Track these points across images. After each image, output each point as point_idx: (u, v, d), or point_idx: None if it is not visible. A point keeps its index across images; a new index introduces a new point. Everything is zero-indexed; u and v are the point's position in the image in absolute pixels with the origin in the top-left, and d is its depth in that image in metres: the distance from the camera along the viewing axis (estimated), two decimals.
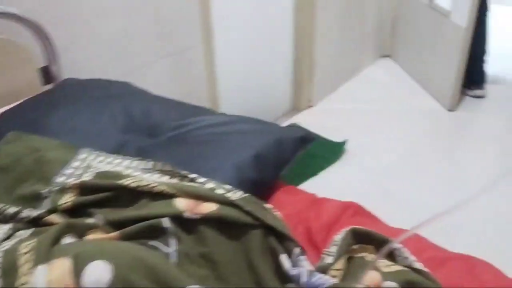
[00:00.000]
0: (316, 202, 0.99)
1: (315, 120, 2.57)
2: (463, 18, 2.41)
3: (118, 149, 0.97)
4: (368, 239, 0.83)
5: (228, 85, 2.16)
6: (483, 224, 1.84)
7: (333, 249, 0.81)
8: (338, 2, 2.58)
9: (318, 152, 2.30)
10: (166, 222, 0.74)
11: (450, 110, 2.65)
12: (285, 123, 2.53)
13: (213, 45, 1.94)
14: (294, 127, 2.48)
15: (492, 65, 2.85)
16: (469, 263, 0.82)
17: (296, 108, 2.67)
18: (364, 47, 3.02)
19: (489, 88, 2.81)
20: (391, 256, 0.81)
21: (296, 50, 2.51)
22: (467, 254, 0.86)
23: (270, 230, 0.78)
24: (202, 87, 1.97)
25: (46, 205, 0.82)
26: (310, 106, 2.69)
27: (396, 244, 0.80)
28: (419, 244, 0.87)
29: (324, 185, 2.09)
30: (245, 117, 1.14)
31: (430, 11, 2.73)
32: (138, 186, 0.79)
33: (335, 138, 2.36)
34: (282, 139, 1.02)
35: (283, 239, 0.79)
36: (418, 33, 2.88)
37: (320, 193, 2.02)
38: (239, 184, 0.88)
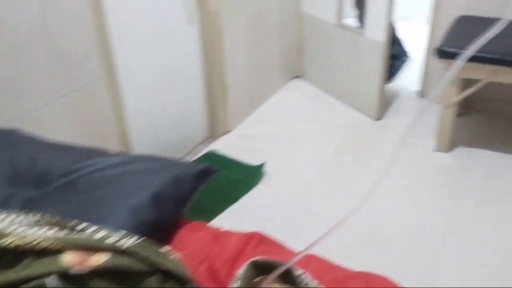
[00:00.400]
0: (219, 236, 0.98)
1: (233, 145, 2.58)
2: (379, 33, 2.57)
3: (3, 204, 0.91)
4: (270, 268, 0.83)
5: (138, 119, 2.11)
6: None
7: (236, 284, 0.80)
8: (244, 28, 2.63)
9: (238, 178, 2.31)
10: (51, 282, 0.69)
11: (376, 120, 2.80)
12: (203, 151, 2.52)
13: (117, 79, 1.89)
14: (206, 155, 2.48)
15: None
16: (367, 279, 0.85)
17: (213, 135, 2.67)
18: (275, 69, 3.09)
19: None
20: (294, 282, 0.82)
21: (207, 77, 2.52)
22: (365, 271, 0.89)
23: (168, 274, 0.76)
24: (109, 125, 1.91)
25: None
26: (227, 132, 2.70)
27: (297, 271, 0.80)
28: (321, 266, 0.89)
29: (247, 209, 2.10)
30: (142, 156, 1.11)
31: (341, 30, 2.87)
32: (18, 246, 0.73)
33: (256, 161, 2.38)
34: (181, 175, 1.01)
35: (183, 282, 0.77)
36: (331, 51, 3.02)
37: (242, 219, 2.02)
38: (137, 228, 0.85)
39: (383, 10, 2.50)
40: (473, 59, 2.16)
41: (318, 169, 2.38)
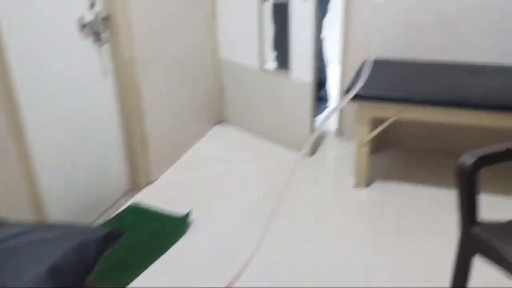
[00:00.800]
0: None
1: (157, 196, 2.52)
2: (306, 73, 2.72)
3: None
4: None
5: (51, 178, 2.01)
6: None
7: None
8: (162, 75, 2.63)
9: (164, 229, 2.25)
10: None
11: (307, 156, 2.89)
12: (125, 205, 2.44)
13: (25, 136, 1.80)
14: (129, 208, 2.41)
15: None
16: None
17: (135, 187, 2.60)
18: (198, 115, 3.11)
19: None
20: None
21: (125, 128, 2.47)
22: None
23: None
24: (19, 185, 1.80)
25: None
26: (150, 182, 2.64)
27: None
28: None
29: (173, 262, 2.04)
30: (43, 224, 1.06)
31: (265, 73, 2.98)
32: None
33: (181, 211, 2.34)
34: (84, 243, 0.96)
35: None
36: (256, 94, 3.10)
37: (169, 272, 1.96)
38: None
39: (308, 51, 2.65)
40: (381, 99, 2.31)
41: (245, 214, 2.38)
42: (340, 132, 3.14)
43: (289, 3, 2.70)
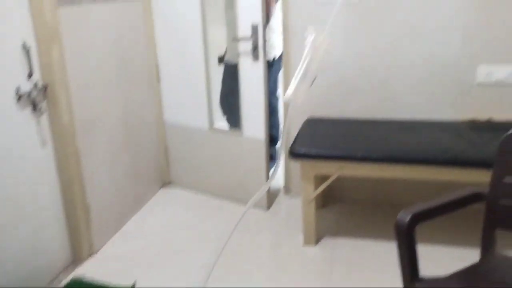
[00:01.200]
0: None
1: (101, 268, 2.41)
2: (260, 132, 2.82)
3: None
4: None
5: None
6: None
7: None
8: (104, 144, 2.59)
9: None
10: None
11: (267, 209, 2.95)
12: (67, 279, 2.31)
13: None
14: (71, 281, 2.28)
15: None
16: None
17: (78, 260, 2.48)
18: (143, 180, 3.06)
19: None
20: None
21: (65, 199, 2.39)
22: None
23: None
24: None
25: None
26: (93, 254, 2.53)
27: None
28: None
29: None
30: None
31: (214, 134, 3.04)
32: None
33: (126, 282, 2.24)
34: None
35: None
36: (204, 154, 3.13)
37: None
38: None
39: (260, 109, 2.77)
40: (323, 157, 2.38)
41: (193, 280, 2.31)
42: (287, 189, 3.17)
43: (239, 64, 2.82)
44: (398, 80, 2.74)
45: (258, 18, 2.63)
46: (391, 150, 2.32)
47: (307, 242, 2.56)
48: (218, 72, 3.33)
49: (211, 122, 3.04)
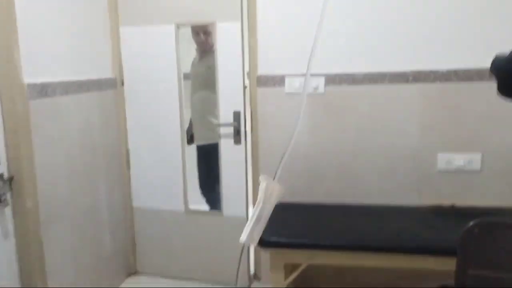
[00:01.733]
0: None
1: None
2: (240, 212, 2.91)
3: None
4: None
5: None
6: None
7: None
8: (68, 235, 2.53)
9: None
10: None
11: None
12: None
13: None
14: None
15: None
16: None
17: None
18: (108, 269, 2.95)
19: None
20: None
21: None
22: None
23: None
24: None
25: None
26: None
27: None
28: None
29: None
30: None
31: (190, 215, 3.06)
32: None
33: None
34: None
35: None
36: (180, 237, 3.11)
37: None
38: None
39: (242, 188, 2.89)
40: (291, 246, 2.37)
41: None
42: (257, 276, 3.11)
43: (218, 145, 2.93)
44: (363, 167, 2.83)
45: (240, 105, 2.83)
46: (358, 238, 2.34)
47: None
48: (191, 153, 3.36)
49: (186, 204, 3.03)
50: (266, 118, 2.90)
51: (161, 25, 2.89)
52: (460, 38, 2.60)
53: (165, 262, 3.15)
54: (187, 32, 3.13)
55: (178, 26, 2.89)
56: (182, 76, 2.96)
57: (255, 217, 1.72)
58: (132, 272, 3.25)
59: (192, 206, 3.08)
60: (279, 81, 2.84)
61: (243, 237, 1.71)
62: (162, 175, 3.07)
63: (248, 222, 1.74)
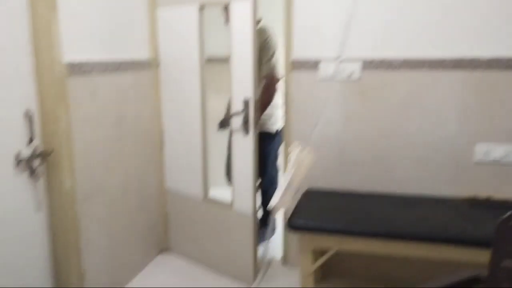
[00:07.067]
0: None
1: None
2: (248, 206, 2.76)
3: None
4: None
5: None
6: None
7: None
8: (103, 210, 2.60)
9: None
10: None
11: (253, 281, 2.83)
12: None
13: None
14: None
15: None
16: None
17: None
18: (140, 245, 3.03)
19: None
20: None
21: (58, 265, 2.36)
22: None
23: None
24: None
25: None
26: None
27: None
28: None
29: None
30: None
31: (208, 204, 3.00)
32: None
33: None
34: None
35: None
36: (199, 223, 3.09)
37: None
38: None
39: (249, 184, 2.73)
40: (321, 230, 2.36)
41: None
42: (285, 260, 3.12)
43: (231, 136, 2.84)
44: (398, 155, 2.77)
45: (249, 93, 2.65)
46: (390, 226, 2.31)
47: None
48: (217, 141, 3.36)
49: (205, 192, 3.03)
50: (299, 104, 2.88)
51: (189, 6, 2.82)
52: (503, 26, 2.50)
53: (190, 245, 3.19)
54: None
55: (202, 7, 2.80)
56: (204, 58, 2.88)
57: (286, 182, 1.73)
58: (164, 249, 3.31)
59: (211, 195, 3.05)
60: (313, 66, 2.81)
61: (274, 202, 1.73)
62: (188, 160, 3.07)
63: (280, 187, 1.74)
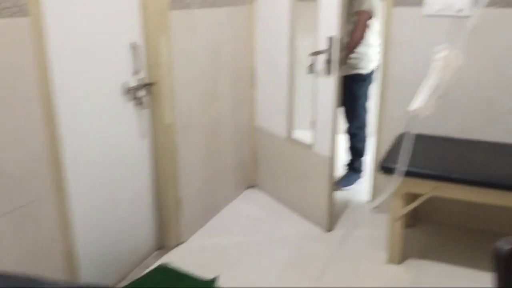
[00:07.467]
0: None
1: (185, 258, 2.53)
2: (326, 148, 2.69)
3: None
4: None
5: (85, 235, 2.06)
6: None
7: None
8: (199, 140, 2.72)
9: None
10: None
11: (326, 231, 2.82)
12: (154, 264, 2.45)
13: (65, 195, 1.88)
14: (157, 268, 2.41)
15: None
16: None
17: (165, 247, 2.62)
18: (229, 180, 3.15)
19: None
20: None
21: (158, 189, 2.53)
22: None
23: None
24: (54, 240, 1.86)
25: None
26: (179, 244, 2.65)
27: None
28: None
29: None
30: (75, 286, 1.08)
31: (290, 144, 3.00)
32: None
33: (206, 274, 2.32)
34: None
35: None
36: (282, 164, 3.13)
37: None
38: None
39: (328, 126, 2.65)
40: (416, 175, 2.29)
41: (270, 284, 2.34)
42: (373, 204, 3.09)
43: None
44: (503, 101, 2.56)
45: (334, 31, 2.48)
46: (490, 174, 2.18)
47: (391, 260, 2.48)
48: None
49: (289, 132, 3.01)
50: (399, 42, 2.73)
51: None
52: None
53: (275, 183, 3.25)
54: None
55: None
56: None
57: (432, 86, 1.61)
58: (251, 185, 3.42)
59: (293, 135, 3.00)
60: (417, 1, 2.62)
61: (415, 105, 1.63)
62: (276, 99, 3.05)
63: (422, 90, 1.63)
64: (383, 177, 2.45)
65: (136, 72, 2.26)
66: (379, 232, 2.77)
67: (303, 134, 2.99)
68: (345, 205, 3.17)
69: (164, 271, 2.41)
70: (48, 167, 1.78)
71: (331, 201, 2.80)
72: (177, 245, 2.64)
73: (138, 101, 2.30)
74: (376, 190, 3.06)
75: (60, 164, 1.83)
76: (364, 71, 3.23)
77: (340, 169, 3.43)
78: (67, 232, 1.91)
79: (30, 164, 1.71)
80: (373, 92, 3.32)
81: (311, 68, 2.73)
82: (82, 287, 1.09)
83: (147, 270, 2.40)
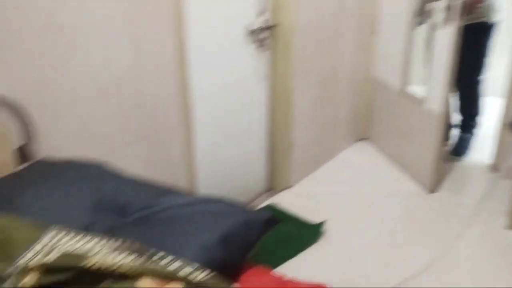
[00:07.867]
0: (285, 283, 0.99)
1: (292, 202, 2.58)
2: (438, 104, 2.53)
3: (88, 228, 0.98)
4: None
5: (205, 167, 2.19)
6: None
7: None
8: (314, 88, 2.71)
9: (296, 234, 2.30)
10: None
11: (430, 192, 2.71)
12: (262, 204, 2.54)
13: (191, 128, 2.00)
14: (266, 208, 2.50)
15: None
16: None
17: (273, 189, 2.70)
18: (341, 130, 3.12)
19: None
20: None
21: (272, 133, 2.59)
22: None
23: None
24: (179, 169, 2.00)
25: (7, 286, 0.80)
26: (287, 188, 2.71)
27: None
28: None
29: (302, 267, 2.08)
30: (212, 198, 1.16)
31: (402, 98, 2.88)
32: (99, 268, 0.78)
33: (313, 219, 2.37)
34: (250, 220, 1.05)
35: None
36: (394, 118, 3.02)
37: (298, 275, 1.99)
38: (206, 264, 0.88)
39: (442, 80, 2.48)
40: None
41: (374, 236, 2.32)
42: (495, 167, 2.88)
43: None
44: None
45: None
46: None
47: (511, 226, 2.33)
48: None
49: (403, 85, 2.84)
50: None
51: None
52: None
53: (385, 136, 3.15)
54: None
55: None
56: None
57: None
58: (363, 137, 3.35)
59: (407, 89, 2.83)
60: None
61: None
62: (395, 50, 2.86)
63: None
64: (510, 137, 2.27)
65: (260, 13, 2.27)
66: (500, 196, 2.58)
67: (418, 90, 2.83)
68: (462, 167, 2.99)
69: (273, 211, 2.50)
70: (179, 102, 1.92)
71: (437, 161, 2.65)
72: (285, 188, 2.71)
73: (260, 43, 2.33)
74: (501, 152, 2.84)
75: (188, 100, 1.96)
76: (487, 20, 2.84)
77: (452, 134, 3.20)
78: (190, 161, 2.04)
79: (165, 100, 1.86)
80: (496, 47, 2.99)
81: (423, 17, 2.51)
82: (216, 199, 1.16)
83: (256, 209, 2.50)
